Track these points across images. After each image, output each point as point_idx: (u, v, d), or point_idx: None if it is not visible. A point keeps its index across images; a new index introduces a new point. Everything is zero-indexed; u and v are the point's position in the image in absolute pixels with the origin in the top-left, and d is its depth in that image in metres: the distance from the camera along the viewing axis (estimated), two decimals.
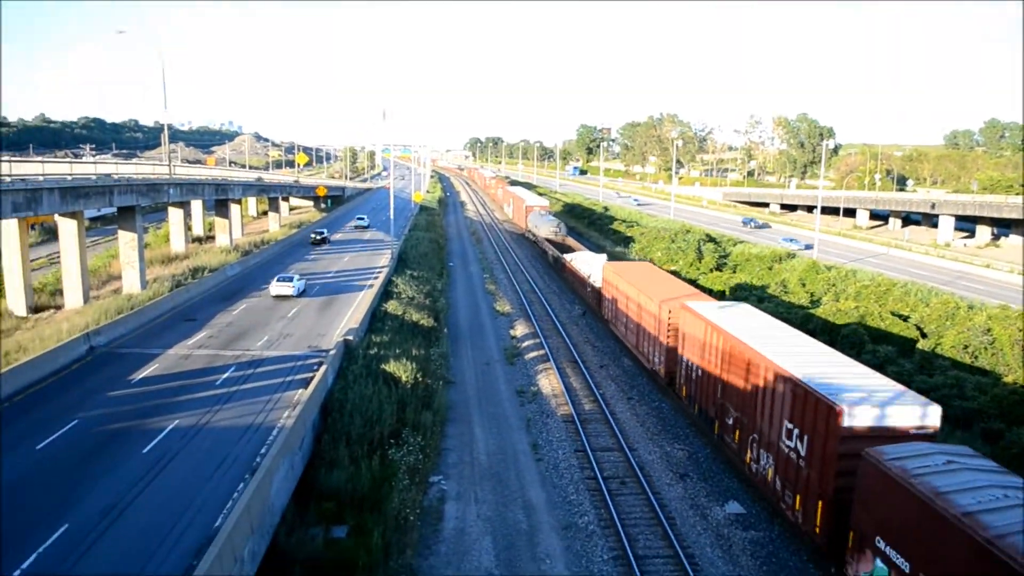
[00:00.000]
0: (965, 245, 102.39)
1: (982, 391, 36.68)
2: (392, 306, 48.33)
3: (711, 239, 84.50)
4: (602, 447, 32.49)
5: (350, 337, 37.60)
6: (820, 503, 22.63)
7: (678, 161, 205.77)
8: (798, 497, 24.06)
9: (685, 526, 26.08)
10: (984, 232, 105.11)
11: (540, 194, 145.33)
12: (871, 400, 22.46)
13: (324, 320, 44.19)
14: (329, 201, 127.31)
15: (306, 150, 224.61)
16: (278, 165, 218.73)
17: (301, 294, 51.49)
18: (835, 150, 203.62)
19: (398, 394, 31.83)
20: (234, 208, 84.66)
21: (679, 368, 36.43)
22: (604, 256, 66.93)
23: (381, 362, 34.76)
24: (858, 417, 21.75)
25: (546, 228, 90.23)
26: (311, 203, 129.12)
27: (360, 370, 33.02)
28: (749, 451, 27.97)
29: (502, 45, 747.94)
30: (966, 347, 43.11)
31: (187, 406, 28.37)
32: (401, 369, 34.27)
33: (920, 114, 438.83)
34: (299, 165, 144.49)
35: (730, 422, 29.85)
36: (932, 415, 22.09)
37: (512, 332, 52.07)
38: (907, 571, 17.74)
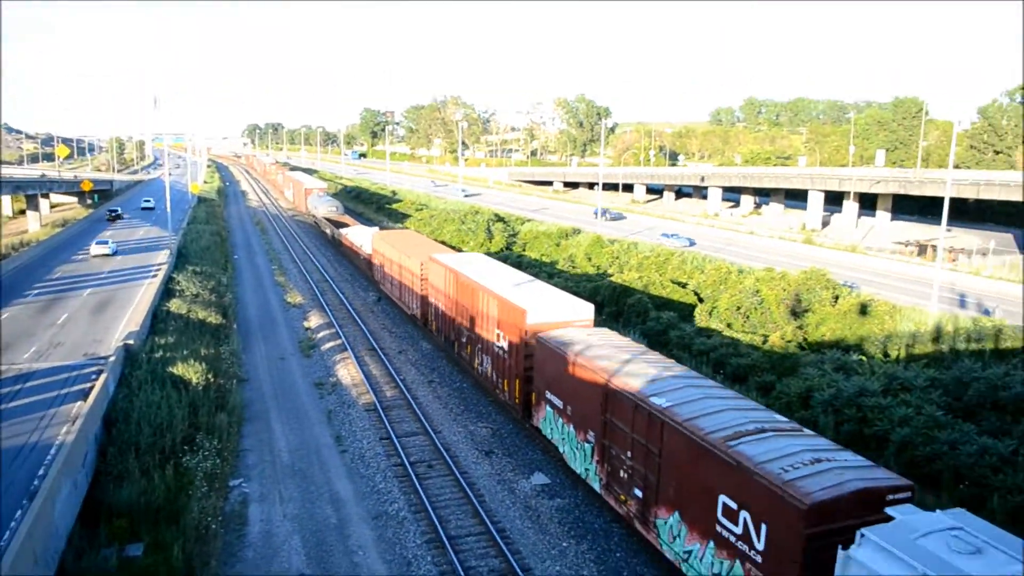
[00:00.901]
0: (731, 215, 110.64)
1: (755, 348, 39.83)
2: (175, 305, 45.79)
3: (500, 219, 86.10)
4: (407, 432, 32.45)
5: (131, 341, 35.23)
6: (517, 381, 31.32)
7: (463, 143, 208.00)
8: (505, 381, 32.78)
9: (494, 502, 26.60)
10: (748, 201, 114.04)
11: (321, 179, 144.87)
12: (547, 304, 31.35)
13: (99, 325, 41.13)
14: (96, 196, 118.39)
15: (66, 141, 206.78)
16: (34, 159, 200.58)
17: (115, 253, 63.43)
18: (612, 129, 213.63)
19: (189, 397, 30.23)
20: None
21: (430, 309, 44.90)
22: (375, 228, 73.12)
23: (167, 365, 32.87)
24: (537, 315, 30.37)
25: (324, 208, 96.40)
26: (76, 199, 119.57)
27: (145, 375, 31.03)
28: (476, 358, 36.45)
29: (280, 25, 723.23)
30: (739, 308, 46.65)
31: None
32: (190, 371, 32.60)
33: (688, 93, 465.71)
34: (59, 158, 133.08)
35: (464, 340, 38.34)
36: (587, 312, 31.27)
37: (306, 324, 50.80)
38: (561, 406, 27.22)
